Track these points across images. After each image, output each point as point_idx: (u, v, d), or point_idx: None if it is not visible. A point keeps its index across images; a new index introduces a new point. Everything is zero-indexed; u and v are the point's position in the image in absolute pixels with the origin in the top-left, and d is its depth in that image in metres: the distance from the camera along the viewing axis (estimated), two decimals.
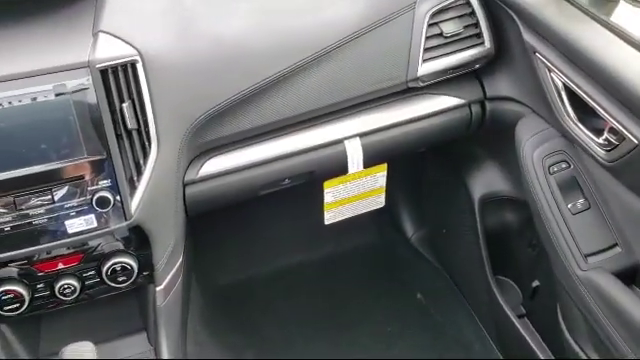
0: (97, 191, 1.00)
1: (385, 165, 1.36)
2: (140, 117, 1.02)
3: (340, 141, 1.25)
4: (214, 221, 1.68)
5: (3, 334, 1.14)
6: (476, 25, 1.26)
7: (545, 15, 1.12)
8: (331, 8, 1.18)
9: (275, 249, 1.96)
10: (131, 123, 1.00)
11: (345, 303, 1.85)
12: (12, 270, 1.05)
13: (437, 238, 1.89)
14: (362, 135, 1.26)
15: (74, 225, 1.01)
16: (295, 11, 1.16)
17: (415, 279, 1.91)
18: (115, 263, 1.09)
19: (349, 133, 1.25)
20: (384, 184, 1.39)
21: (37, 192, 0.97)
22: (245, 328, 1.77)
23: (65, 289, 1.08)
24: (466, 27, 1.25)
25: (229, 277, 1.88)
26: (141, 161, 1.04)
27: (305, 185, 1.34)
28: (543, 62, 1.14)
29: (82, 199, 1.00)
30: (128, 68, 0.99)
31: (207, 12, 1.12)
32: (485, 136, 1.43)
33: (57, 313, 1.17)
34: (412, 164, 1.86)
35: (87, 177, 0.99)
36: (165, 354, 1.19)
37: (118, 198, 1.02)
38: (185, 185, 1.16)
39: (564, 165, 1.18)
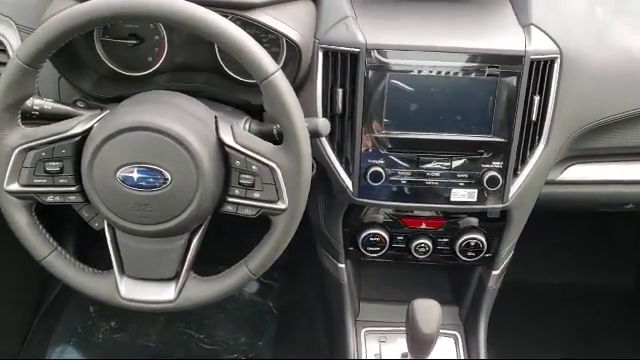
0: (488, 170, 1.07)
1: None
2: (540, 112, 1.07)
3: None
4: None
5: (349, 270, 1.28)
6: None
7: None
8: None
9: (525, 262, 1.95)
10: (535, 116, 1.06)
11: (592, 336, 1.80)
12: (383, 218, 1.17)
13: None
14: None
15: (457, 194, 1.09)
16: None
17: None
18: (470, 238, 1.16)
19: None
20: None
21: (439, 157, 1.07)
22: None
23: (420, 247, 1.18)
24: None
25: None
26: (528, 152, 1.09)
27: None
28: None
29: (473, 173, 1.08)
30: (547, 64, 1.04)
31: (618, 24, 1.13)
32: None
33: (372, 265, 1.28)
34: None
35: (485, 155, 1.07)
36: (482, 334, 1.26)
37: (503, 181, 1.08)
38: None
39: None
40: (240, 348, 1.76)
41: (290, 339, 1.76)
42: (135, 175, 0.86)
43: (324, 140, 1.08)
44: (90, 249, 1.73)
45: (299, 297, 1.88)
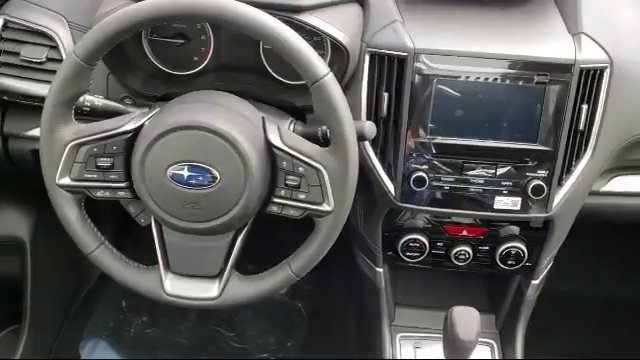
0: (533, 178, 1.06)
1: None
2: (587, 122, 1.06)
3: None
4: None
5: (386, 274, 1.27)
6: None
7: None
8: None
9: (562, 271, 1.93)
10: (583, 126, 1.05)
11: (628, 349, 1.76)
12: (423, 223, 1.16)
13: None
14: None
15: (501, 202, 1.08)
16: None
17: None
18: (512, 247, 1.15)
19: None
20: None
21: (484, 164, 1.06)
22: None
23: (460, 254, 1.17)
24: None
25: None
26: (573, 162, 1.08)
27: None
28: None
29: (517, 181, 1.07)
30: (597, 73, 1.03)
31: None
32: None
33: (408, 270, 1.27)
34: None
35: (530, 163, 1.06)
36: (519, 344, 1.25)
37: (547, 190, 1.07)
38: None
39: None
40: (269, 348, 1.77)
41: (319, 341, 1.76)
42: (185, 173, 0.87)
43: (367, 143, 1.08)
44: (123, 245, 1.75)
45: (329, 299, 1.88)
